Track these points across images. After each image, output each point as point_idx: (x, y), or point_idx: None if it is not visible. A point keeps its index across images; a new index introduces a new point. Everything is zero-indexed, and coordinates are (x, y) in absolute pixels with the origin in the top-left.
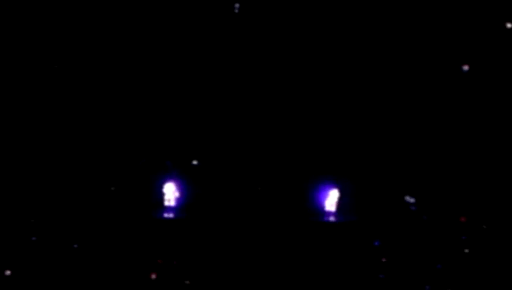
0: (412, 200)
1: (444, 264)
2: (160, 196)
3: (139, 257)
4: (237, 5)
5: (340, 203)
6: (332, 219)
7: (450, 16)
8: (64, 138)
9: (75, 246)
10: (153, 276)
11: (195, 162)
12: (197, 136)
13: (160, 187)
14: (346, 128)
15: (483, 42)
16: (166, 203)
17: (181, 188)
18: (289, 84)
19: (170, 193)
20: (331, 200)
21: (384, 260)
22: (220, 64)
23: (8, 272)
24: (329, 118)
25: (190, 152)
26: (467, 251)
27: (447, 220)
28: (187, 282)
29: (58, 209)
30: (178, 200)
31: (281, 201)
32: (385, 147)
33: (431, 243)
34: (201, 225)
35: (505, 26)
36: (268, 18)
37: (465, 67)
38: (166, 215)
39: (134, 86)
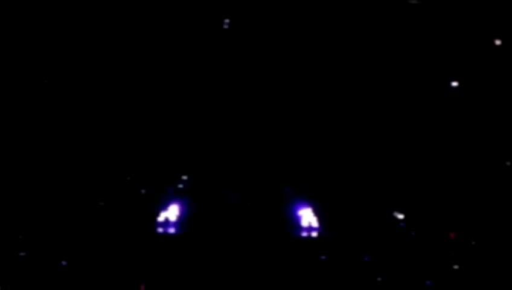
0: (400, 216)
1: (433, 280)
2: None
3: (133, 269)
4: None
5: (324, 218)
6: (315, 234)
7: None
8: (69, 153)
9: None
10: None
11: (185, 177)
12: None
13: (163, 207)
14: (330, 140)
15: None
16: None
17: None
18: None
19: (172, 212)
20: (311, 215)
21: (375, 276)
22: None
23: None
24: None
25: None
26: (456, 267)
27: (436, 236)
28: None
29: (60, 221)
30: (178, 216)
31: (264, 216)
32: (370, 160)
33: (420, 259)
34: (194, 240)
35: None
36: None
37: (454, 84)
38: (166, 230)
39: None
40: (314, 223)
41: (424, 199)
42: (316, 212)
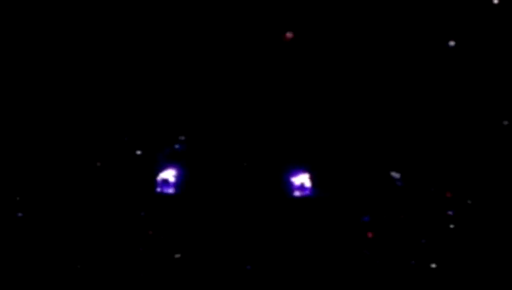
0: (397, 175)
1: (428, 240)
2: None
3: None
4: None
5: (319, 178)
6: (307, 193)
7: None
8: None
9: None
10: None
11: (181, 138)
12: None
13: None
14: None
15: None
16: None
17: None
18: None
19: (170, 173)
20: (305, 176)
21: (370, 235)
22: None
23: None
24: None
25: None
26: (452, 226)
27: (433, 195)
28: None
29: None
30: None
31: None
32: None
33: (416, 219)
34: (192, 200)
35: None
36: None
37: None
38: (164, 190)
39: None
40: (308, 183)
41: (421, 157)
42: (311, 172)
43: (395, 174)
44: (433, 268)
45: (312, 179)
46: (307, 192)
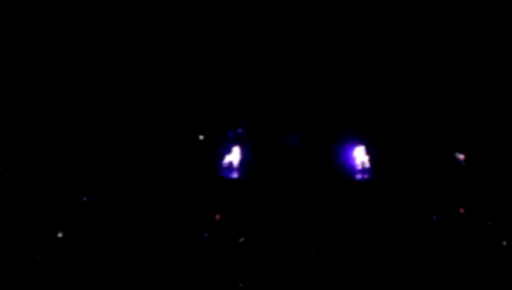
0: (461, 156)
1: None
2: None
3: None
4: None
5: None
6: (367, 176)
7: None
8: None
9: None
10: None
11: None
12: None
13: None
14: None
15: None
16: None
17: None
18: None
19: (234, 157)
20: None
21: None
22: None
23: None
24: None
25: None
26: None
27: (499, 178)
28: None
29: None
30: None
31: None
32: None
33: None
34: (257, 184)
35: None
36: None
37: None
38: (229, 175)
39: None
40: (367, 164)
41: (487, 138)
42: (372, 152)
43: (459, 155)
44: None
45: (372, 161)
46: (368, 175)
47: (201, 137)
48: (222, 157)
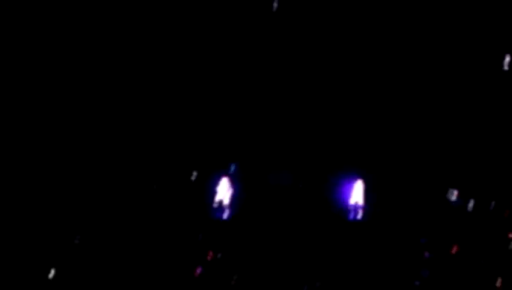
0: (454, 193)
1: (489, 263)
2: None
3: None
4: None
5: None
6: (360, 215)
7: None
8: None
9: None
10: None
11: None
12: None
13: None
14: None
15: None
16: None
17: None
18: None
19: (224, 191)
20: (357, 193)
21: (427, 255)
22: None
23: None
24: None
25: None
26: None
27: (492, 214)
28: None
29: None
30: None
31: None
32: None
33: (477, 240)
34: (247, 224)
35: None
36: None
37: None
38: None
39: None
40: (361, 202)
41: (480, 175)
42: (366, 190)
43: (452, 194)
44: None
45: (366, 199)
46: (361, 215)
47: (193, 175)
48: (213, 196)
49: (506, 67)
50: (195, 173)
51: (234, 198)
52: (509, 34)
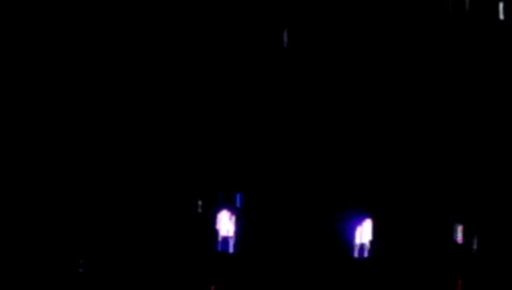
0: (459, 229)
1: None
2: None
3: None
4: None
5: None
6: (367, 254)
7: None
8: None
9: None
10: None
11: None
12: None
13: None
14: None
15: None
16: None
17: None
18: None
19: (226, 223)
20: (365, 232)
21: None
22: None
23: None
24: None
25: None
26: None
27: (498, 252)
28: None
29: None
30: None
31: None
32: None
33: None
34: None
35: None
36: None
37: None
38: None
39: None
40: (367, 240)
41: (487, 210)
42: (373, 227)
43: (457, 230)
44: None
45: (373, 240)
46: (366, 253)
47: (199, 205)
48: (217, 229)
49: None
50: (200, 203)
51: (239, 230)
52: None
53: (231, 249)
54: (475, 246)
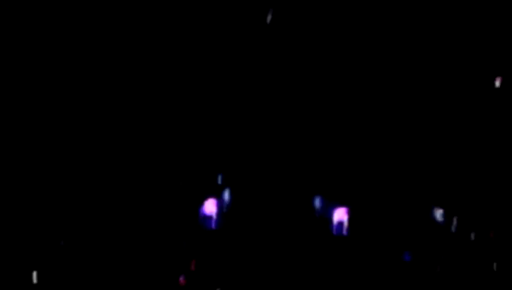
0: (439, 211)
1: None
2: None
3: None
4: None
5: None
6: (345, 232)
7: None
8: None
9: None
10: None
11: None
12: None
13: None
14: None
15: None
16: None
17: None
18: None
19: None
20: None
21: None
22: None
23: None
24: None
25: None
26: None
27: (477, 234)
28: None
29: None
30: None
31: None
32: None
33: (462, 260)
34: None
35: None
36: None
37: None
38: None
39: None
40: (345, 221)
41: (465, 193)
42: (350, 210)
43: (437, 212)
44: None
45: (350, 216)
46: (345, 230)
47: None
48: (200, 207)
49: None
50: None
51: (221, 207)
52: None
53: (213, 225)
54: (454, 229)
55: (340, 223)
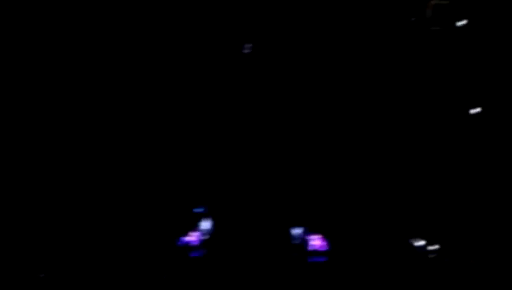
0: (420, 243)
1: None
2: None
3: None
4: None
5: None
6: (321, 259)
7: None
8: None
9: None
10: None
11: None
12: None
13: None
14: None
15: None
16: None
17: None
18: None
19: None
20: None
21: None
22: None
23: None
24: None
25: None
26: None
27: (455, 260)
28: None
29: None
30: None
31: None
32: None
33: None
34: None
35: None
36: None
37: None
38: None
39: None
40: (321, 247)
41: (444, 224)
42: (326, 237)
43: (416, 242)
44: None
45: (327, 243)
46: (321, 257)
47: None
48: (182, 235)
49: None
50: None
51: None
52: None
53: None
54: (433, 255)
55: (316, 251)
